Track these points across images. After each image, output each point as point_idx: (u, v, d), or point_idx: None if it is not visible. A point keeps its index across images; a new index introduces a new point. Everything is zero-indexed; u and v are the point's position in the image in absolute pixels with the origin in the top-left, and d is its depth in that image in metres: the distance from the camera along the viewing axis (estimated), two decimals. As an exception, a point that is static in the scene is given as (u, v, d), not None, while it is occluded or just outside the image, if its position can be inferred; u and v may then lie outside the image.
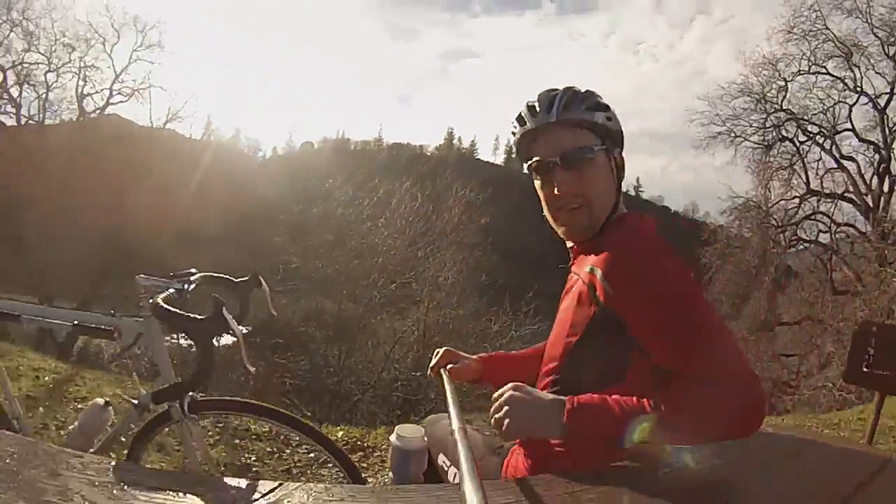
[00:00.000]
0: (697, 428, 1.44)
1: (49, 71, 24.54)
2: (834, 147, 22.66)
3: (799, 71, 22.72)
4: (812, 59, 22.39)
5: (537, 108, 1.84)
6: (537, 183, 1.89)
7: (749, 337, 20.31)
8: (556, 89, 1.84)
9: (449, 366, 2.14)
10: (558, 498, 1.29)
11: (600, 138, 1.82)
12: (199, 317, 1.75)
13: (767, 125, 23.51)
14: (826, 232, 22.61)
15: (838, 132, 22.63)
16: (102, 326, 2.87)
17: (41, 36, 24.25)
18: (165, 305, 1.92)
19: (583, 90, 1.86)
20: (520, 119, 1.90)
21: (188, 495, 1.05)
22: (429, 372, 2.22)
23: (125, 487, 1.05)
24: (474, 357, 2.26)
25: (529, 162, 1.88)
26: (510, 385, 1.62)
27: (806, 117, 23.02)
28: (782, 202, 23.09)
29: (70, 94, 25.14)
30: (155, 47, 26.09)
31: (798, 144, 23.20)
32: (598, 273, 1.66)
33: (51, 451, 1.16)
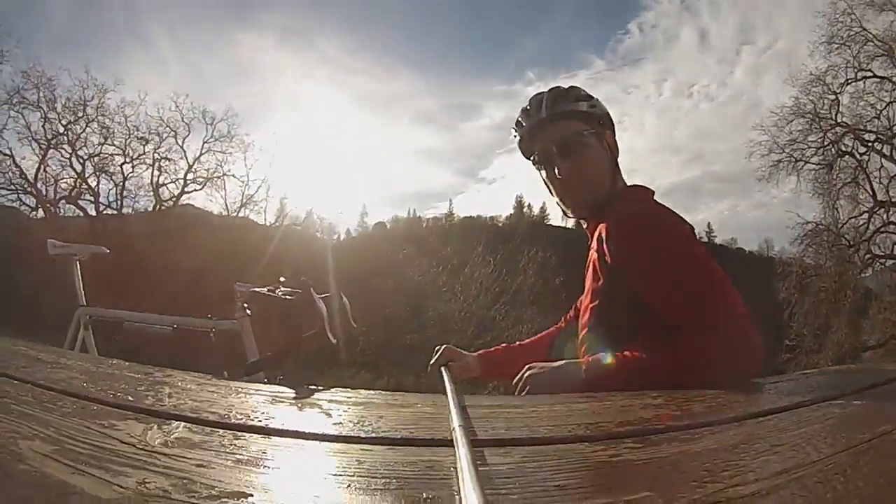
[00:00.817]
0: (698, 375, 1.44)
1: (125, 162, 25.38)
2: (894, 152, 21.11)
3: (846, 80, 21.30)
4: (856, 64, 20.96)
5: (530, 109, 2.05)
6: (543, 174, 2.08)
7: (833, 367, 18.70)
8: (544, 92, 2.05)
9: (449, 363, 2.16)
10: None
11: (588, 124, 2.00)
12: (289, 297, 1.91)
13: (826, 143, 21.87)
14: (900, 243, 21.08)
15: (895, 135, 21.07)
16: (200, 328, 3.46)
17: (116, 130, 25.07)
18: (259, 289, 2.22)
19: (566, 86, 2.06)
20: (517, 123, 2.11)
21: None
22: (429, 369, 2.22)
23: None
24: (474, 354, 2.36)
25: (532, 157, 2.09)
26: (526, 366, 1.76)
27: (861, 126, 21.48)
28: (852, 220, 21.60)
29: (146, 184, 25.88)
30: (225, 138, 26.46)
31: (858, 157, 21.57)
32: (604, 237, 1.81)
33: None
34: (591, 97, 2.06)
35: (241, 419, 1.00)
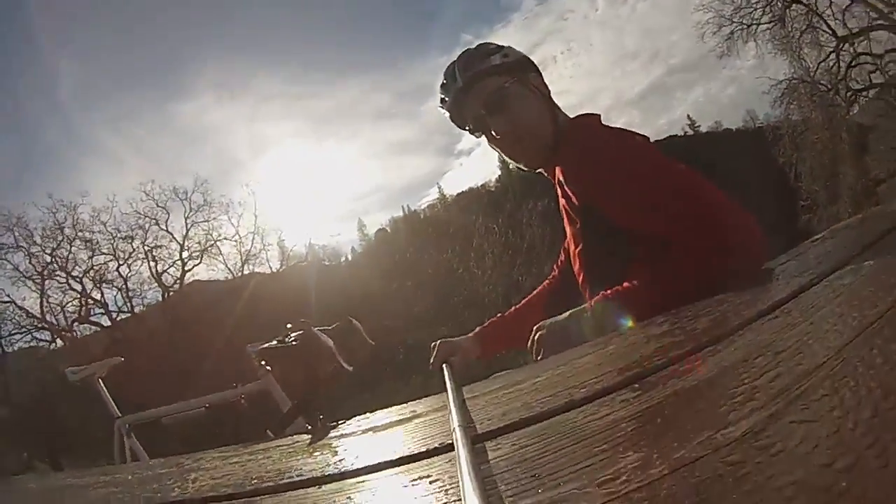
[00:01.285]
0: (700, 282, 1.38)
1: (119, 265, 25.81)
2: (839, -18, 20.62)
3: None
4: None
5: (447, 83, 2.01)
6: (485, 141, 2.05)
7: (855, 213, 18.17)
8: (454, 61, 2.00)
9: (450, 359, 2.10)
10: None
11: (507, 75, 1.95)
12: (293, 343, 1.90)
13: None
14: (875, 70, 21.15)
15: (835, -36, 20.70)
16: (231, 399, 3.53)
17: (99, 239, 25.61)
18: (267, 345, 2.12)
19: (472, 47, 2.04)
20: (441, 101, 2.07)
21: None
22: (430, 367, 2.17)
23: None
24: (470, 336, 2.33)
25: (467, 127, 2.06)
26: (534, 328, 1.75)
27: (800, -33, 20.98)
28: (822, 64, 21.55)
29: (147, 278, 26.20)
30: (204, 207, 26.99)
31: (806, 1, 21.41)
32: (562, 179, 1.83)
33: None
34: (501, 47, 2.02)
35: (255, 483, 1.03)
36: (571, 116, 2.05)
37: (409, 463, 0.89)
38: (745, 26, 22.36)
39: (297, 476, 0.99)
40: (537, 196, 26.13)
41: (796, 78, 21.94)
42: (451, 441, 0.86)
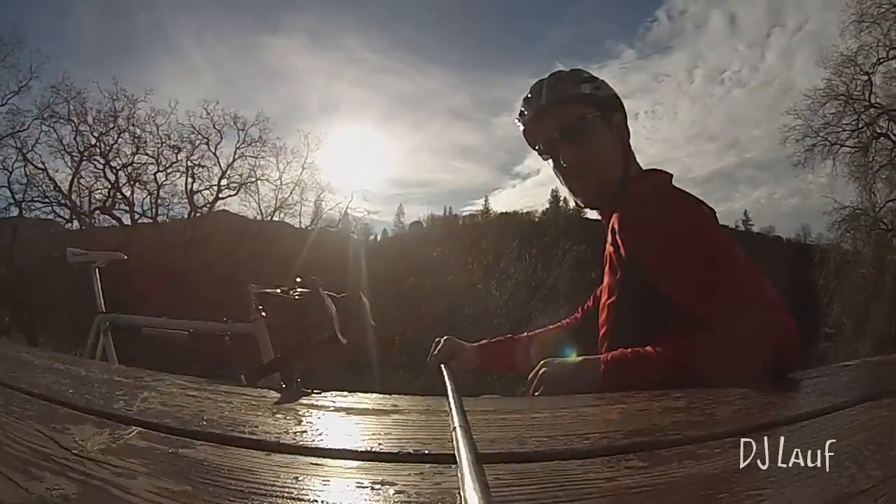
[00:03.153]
0: (727, 368, 1.34)
1: (158, 171, 25.52)
2: (930, 132, 20.16)
3: (878, 60, 20.38)
4: (888, 43, 20.01)
5: (531, 97, 1.95)
6: (550, 164, 1.97)
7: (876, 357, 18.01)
8: (545, 78, 1.94)
9: (451, 362, 2.11)
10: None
11: (593, 107, 1.88)
12: (296, 297, 1.87)
13: (860, 125, 21.17)
14: (940, 226, 20.48)
15: (929, 114, 20.21)
16: (216, 332, 3.45)
17: (148, 139, 25.24)
18: (267, 290, 2.18)
19: (567, 70, 1.96)
20: (520, 114, 2.00)
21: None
22: (428, 360, 2.17)
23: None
24: (475, 345, 2.29)
25: (537, 147, 1.99)
26: (541, 363, 1.65)
27: (894, 107, 20.61)
28: (889, 204, 20.92)
29: (180, 191, 25.98)
30: (257, 143, 26.24)
31: (894, 138, 20.84)
32: (616, 227, 1.74)
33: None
34: (596, 78, 1.95)
35: (201, 426, 0.93)
36: (644, 168, 1.97)
37: (374, 461, 0.79)
38: (828, 144, 21.77)
39: (249, 433, 0.90)
40: (576, 240, 26.13)
41: (861, 209, 21.41)
42: (425, 451, 0.79)
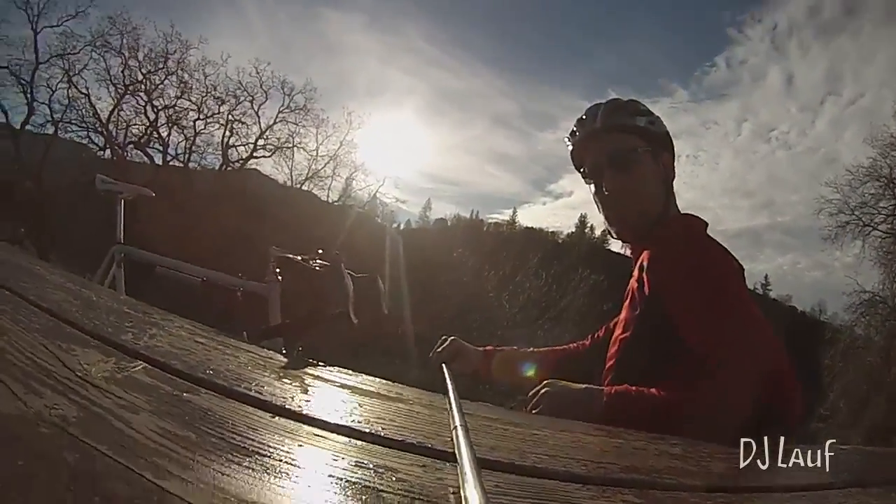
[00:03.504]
0: (726, 423, 1.27)
1: (198, 119, 25.90)
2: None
3: None
4: None
5: (585, 119, 1.97)
6: (591, 188, 2.00)
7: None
8: (602, 102, 1.98)
9: (452, 364, 2.08)
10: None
11: (645, 141, 1.90)
12: (317, 267, 1.85)
13: None
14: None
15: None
16: (229, 285, 3.42)
17: (193, 86, 25.69)
18: (289, 255, 2.16)
19: (625, 99, 1.99)
20: (571, 133, 2.02)
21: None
22: (431, 355, 2.17)
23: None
24: (479, 350, 2.29)
25: (582, 168, 2.02)
26: (544, 382, 1.68)
27: (936, 202, 20.27)
28: None
29: (216, 142, 26.35)
30: (300, 111, 26.82)
31: None
32: (645, 265, 1.75)
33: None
34: (651, 113, 1.96)
35: (207, 374, 0.92)
36: (682, 211, 2.01)
37: (375, 444, 0.78)
38: (861, 224, 21.71)
39: (255, 392, 0.89)
40: (595, 270, 26.12)
41: (880, 297, 21.28)
42: (427, 445, 0.79)
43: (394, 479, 0.65)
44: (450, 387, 1.25)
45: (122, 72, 24.13)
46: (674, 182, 1.99)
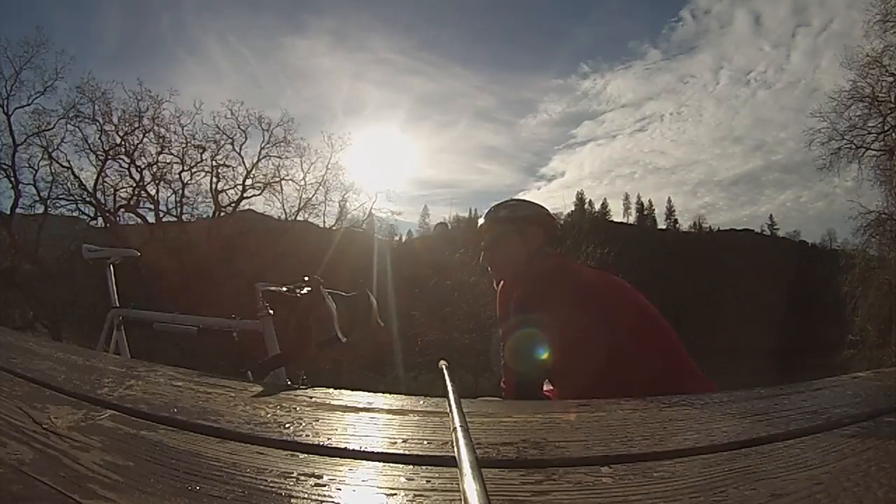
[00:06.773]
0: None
1: (182, 170, 25.63)
2: (957, 134, 19.75)
3: None
4: None
5: (487, 213, 2.78)
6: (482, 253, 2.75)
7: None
8: (491, 207, 2.77)
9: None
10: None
11: (507, 225, 2.63)
12: (299, 294, 1.99)
13: (886, 128, 21.15)
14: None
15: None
16: (224, 328, 3.34)
17: (172, 139, 25.45)
18: (272, 287, 2.29)
19: (502, 201, 2.77)
20: (481, 218, 2.90)
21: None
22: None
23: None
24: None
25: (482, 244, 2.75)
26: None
27: (922, 110, 20.71)
28: None
29: (205, 190, 26.08)
30: (282, 143, 26.62)
31: None
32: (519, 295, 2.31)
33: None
34: (519, 204, 2.74)
35: (171, 413, 0.96)
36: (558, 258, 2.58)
37: (309, 454, 0.81)
38: (853, 147, 21.62)
39: (212, 422, 0.93)
40: (599, 243, 26.01)
41: (886, 213, 21.13)
42: (419, 453, 0.83)
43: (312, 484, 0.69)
44: (449, 388, 1.25)
45: (100, 138, 24.08)
46: (545, 241, 2.61)
